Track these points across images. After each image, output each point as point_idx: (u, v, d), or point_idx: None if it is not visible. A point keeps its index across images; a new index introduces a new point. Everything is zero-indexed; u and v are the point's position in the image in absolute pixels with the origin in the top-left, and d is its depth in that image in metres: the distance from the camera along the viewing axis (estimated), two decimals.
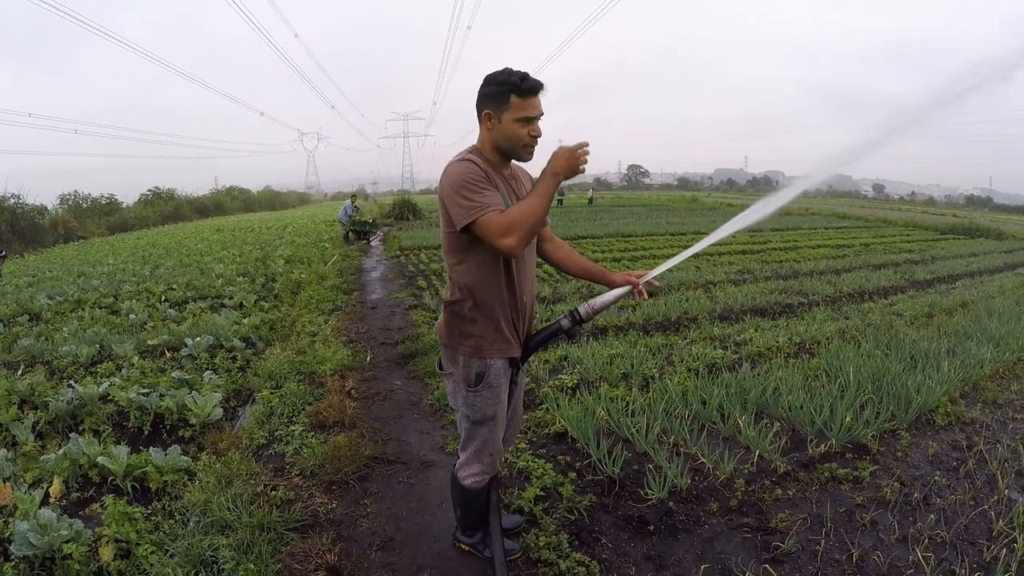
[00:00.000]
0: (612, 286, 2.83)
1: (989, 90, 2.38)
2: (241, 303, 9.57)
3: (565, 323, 2.74)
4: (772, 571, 2.97)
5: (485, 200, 2.37)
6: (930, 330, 7.34)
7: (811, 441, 4.31)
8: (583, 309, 2.73)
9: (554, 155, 2.45)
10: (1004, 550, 3.08)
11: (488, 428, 2.72)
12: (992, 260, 16.26)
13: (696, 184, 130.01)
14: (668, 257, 3.13)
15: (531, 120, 2.48)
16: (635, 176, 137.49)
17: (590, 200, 47.08)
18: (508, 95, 2.45)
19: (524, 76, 2.45)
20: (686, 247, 3.17)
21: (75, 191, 43.80)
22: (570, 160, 2.42)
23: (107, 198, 46.01)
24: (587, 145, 2.45)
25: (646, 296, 2.83)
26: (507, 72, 2.47)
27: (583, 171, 2.45)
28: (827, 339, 6.97)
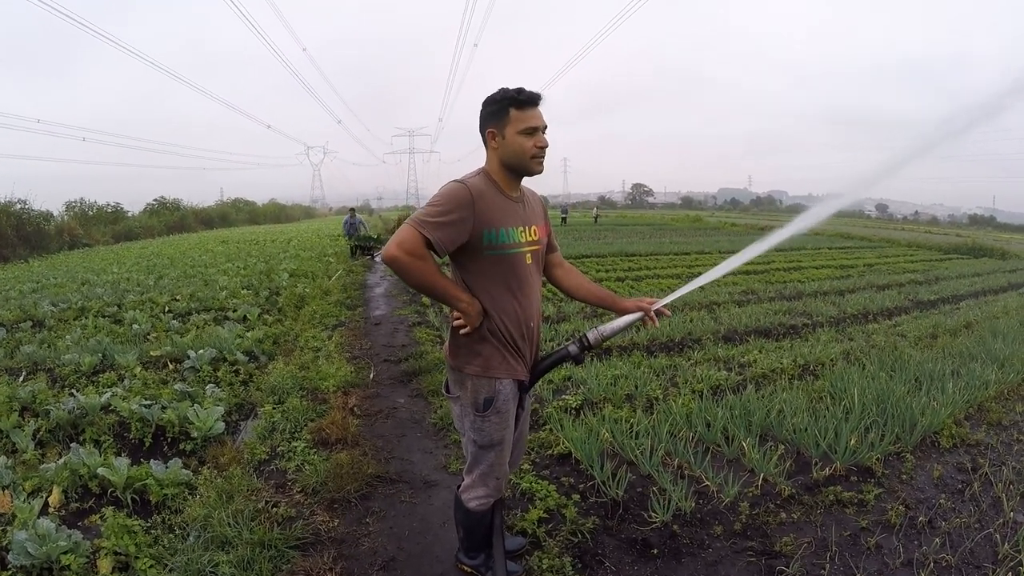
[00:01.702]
0: (622, 312, 2.80)
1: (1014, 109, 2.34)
2: (245, 316, 9.61)
3: (573, 349, 2.70)
4: None
5: (426, 223, 2.36)
6: (934, 351, 7.31)
7: (816, 464, 4.28)
8: (592, 335, 2.69)
9: (476, 304, 2.52)
10: (1010, 573, 3.08)
11: (495, 452, 2.69)
12: (996, 280, 16.23)
13: (700, 203, 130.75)
14: (674, 277, 3.12)
15: (534, 131, 2.47)
16: (639, 195, 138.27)
17: (595, 218, 47.76)
18: (507, 110, 2.46)
19: (519, 90, 2.46)
20: (690, 267, 3.17)
21: (81, 198, 43.98)
22: (468, 316, 2.51)
23: (113, 206, 46.18)
24: (467, 328, 2.55)
25: (657, 323, 2.80)
26: (503, 89, 2.49)
27: (461, 327, 2.58)
28: (831, 361, 6.95)
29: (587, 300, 2.94)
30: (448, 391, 2.79)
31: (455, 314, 2.63)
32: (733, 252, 3.22)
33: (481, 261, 2.50)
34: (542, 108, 2.52)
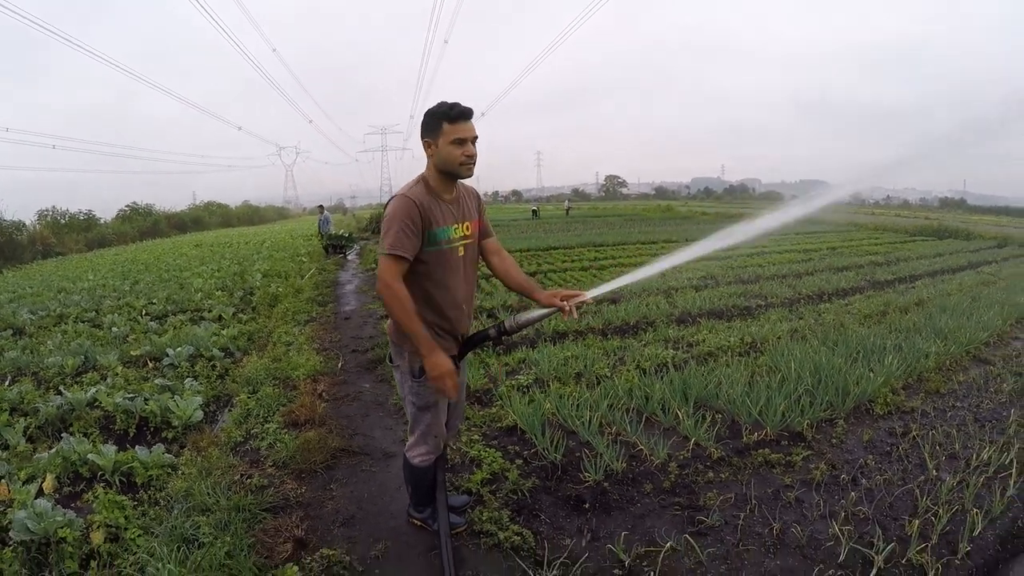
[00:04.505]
0: (538, 303, 3.10)
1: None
2: (220, 316, 9.86)
3: (493, 332, 3.07)
4: (693, 541, 3.26)
5: (396, 243, 2.74)
6: (881, 327, 7.56)
7: (747, 430, 4.58)
8: (508, 323, 3.03)
9: (443, 364, 2.78)
10: (918, 521, 3.34)
11: (432, 413, 3.08)
12: (956, 259, 16.54)
13: (673, 193, 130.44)
14: (638, 265, 3.37)
15: (463, 142, 2.79)
16: (612, 186, 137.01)
17: (567, 211, 47.91)
18: (440, 123, 2.78)
19: (453, 105, 2.78)
20: (654, 255, 3.45)
21: (53, 207, 43.64)
22: (437, 377, 2.79)
23: (85, 214, 45.85)
24: (450, 389, 2.81)
25: (575, 315, 3.05)
26: (440, 104, 2.81)
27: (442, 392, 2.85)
28: (777, 338, 7.17)
29: (511, 287, 3.29)
30: (391, 360, 3.17)
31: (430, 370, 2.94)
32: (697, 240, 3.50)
33: (421, 256, 2.85)
34: (474, 121, 2.86)
